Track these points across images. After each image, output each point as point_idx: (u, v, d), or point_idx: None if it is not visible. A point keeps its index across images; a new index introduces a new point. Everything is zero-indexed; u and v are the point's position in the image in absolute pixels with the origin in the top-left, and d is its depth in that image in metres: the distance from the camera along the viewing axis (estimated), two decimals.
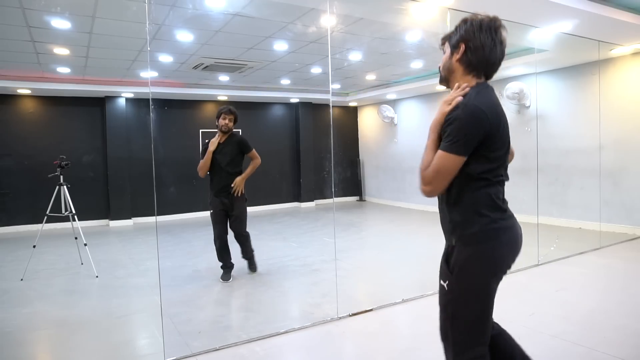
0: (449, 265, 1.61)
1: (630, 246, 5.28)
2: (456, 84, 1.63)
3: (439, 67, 1.71)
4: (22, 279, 4.47)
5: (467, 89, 1.58)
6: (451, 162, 1.48)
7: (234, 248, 4.31)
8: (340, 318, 3.24)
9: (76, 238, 4.92)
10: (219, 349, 2.79)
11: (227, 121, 4.15)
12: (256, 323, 3.19)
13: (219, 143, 4.16)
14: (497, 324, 1.81)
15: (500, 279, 1.61)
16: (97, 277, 4.51)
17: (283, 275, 4.41)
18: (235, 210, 4.18)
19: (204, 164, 4.13)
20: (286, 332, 3.03)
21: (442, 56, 1.72)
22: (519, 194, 7.10)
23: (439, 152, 1.50)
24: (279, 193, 9.98)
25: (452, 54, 1.65)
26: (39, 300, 3.88)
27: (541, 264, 4.54)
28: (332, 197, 10.40)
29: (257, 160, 4.33)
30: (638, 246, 5.28)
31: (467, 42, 1.60)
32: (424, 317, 3.21)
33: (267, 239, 6.22)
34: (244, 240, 4.29)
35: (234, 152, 4.19)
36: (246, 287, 4.07)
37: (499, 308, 3.43)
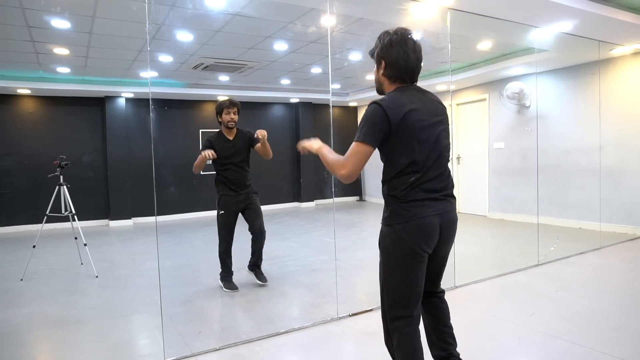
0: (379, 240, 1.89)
1: (631, 246, 5.28)
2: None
3: (374, 77, 1.97)
4: (22, 279, 4.47)
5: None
6: (361, 149, 1.73)
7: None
8: (340, 318, 3.24)
9: (76, 238, 4.92)
10: (219, 349, 2.79)
11: (232, 115, 3.91)
12: (256, 323, 3.19)
13: (229, 140, 3.94)
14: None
15: (417, 257, 1.80)
16: (97, 277, 4.51)
17: (283, 275, 4.41)
18: (252, 205, 3.98)
19: (199, 165, 3.82)
20: (286, 332, 3.03)
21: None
22: (519, 194, 7.12)
23: (353, 144, 1.75)
24: (279, 193, 9.98)
25: (377, 69, 1.90)
26: (38, 300, 3.88)
27: (541, 264, 4.54)
28: (332, 197, 10.40)
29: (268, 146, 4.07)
30: (638, 246, 5.28)
31: (384, 59, 1.84)
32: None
33: (267, 239, 6.18)
34: (262, 238, 4.03)
35: (245, 146, 3.99)
36: (246, 287, 4.07)
37: (499, 308, 3.44)
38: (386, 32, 1.85)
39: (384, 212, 1.86)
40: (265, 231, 4.08)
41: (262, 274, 4.12)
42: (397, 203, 1.78)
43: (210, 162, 3.99)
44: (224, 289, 3.95)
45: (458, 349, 2.11)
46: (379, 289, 1.93)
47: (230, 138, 3.99)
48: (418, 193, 1.76)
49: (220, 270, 4.04)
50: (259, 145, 3.99)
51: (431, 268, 1.91)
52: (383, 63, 1.83)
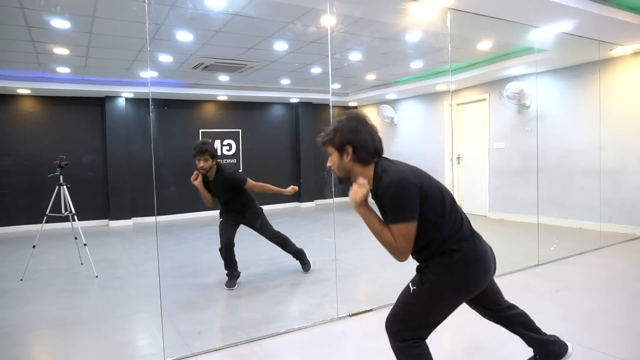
0: (422, 276, 1.82)
1: (631, 246, 5.28)
2: (359, 179, 1.82)
3: (330, 169, 1.89)
4: (21, 279, 4.47)
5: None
6: (410, 228, 1.69)
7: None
8: (340, 318, 3.24)
9: (76, 238, 4.92)
10: (219, 349, 2.79)
11: (202, 164, 3.87)
12: (256, 323, 3.19)
13: (209, 181, 4.02)
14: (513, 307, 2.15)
15: (466, 299, 1.87)
16: (97, 277, 4.51)
17: (283, 275, 4.41)
18: (254, 222, 4.18)
19: (204, 198, 4.02)
20: (286, 332, 3.03)
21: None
22: (519, 194, 7.12)
23: (397, 226, 1.69)
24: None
25: (341, 156, 1.82)
26: (38, 300, 3.88)
27: (541, 264, 4.54)
28: (332, 197, 10.39)
29: (258, 187, 4.16)
30: (638, 246, 5.28)
31: (352, 144, 1.78)
32: None
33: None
34: (280, 241, 4.29)
35: (230, 189, 4.05)
36: (246, 287, 4.07)
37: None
38: (345, 119, 1.84)
39: (436, 258, 1.83)
40: (278, 233, 4.33)
41: (305, 262, 4.45)
42: (455, 250, 1.80)
43: None
44: (225, 285, 4.08)
45: (458, 349, 2.12)
46: (389, 315, 1.88)
47: (211, 179, 4.03)
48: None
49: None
50: (248, 185, 4.11)
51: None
52: (350, 149, 1.79)
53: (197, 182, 3.93)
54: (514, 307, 2.13)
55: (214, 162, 3.95)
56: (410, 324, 1.80)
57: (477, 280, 1.81)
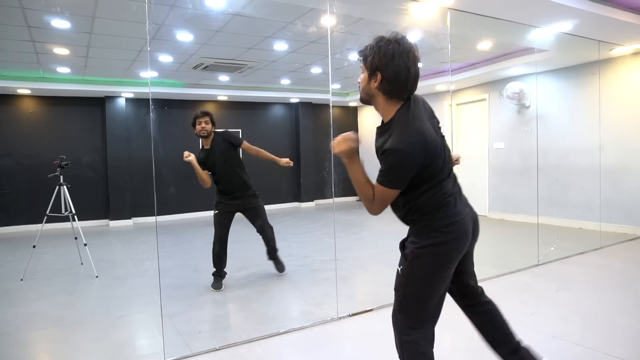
0: (404, 253, 1.77)
1: (631, 246, 5.28)
2: (351, 134, 1.74)
3: (359, 86, 1.76)
4: (21, 279, 4.47)
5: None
6: (391, 194, 1.65)
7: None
8: (340, 318, 3.24)
9: (76, 238, 4.92)
10: (219, 349, 2.79)
11: (202, 125, 3.85)
12: (256, 323, 3.19)
13: (205, 149, 3.95)
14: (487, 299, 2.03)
15: (451, 268, 1.75)
16: (97, 277, 4.51)
17: (283, 275, 4.41)
18: (251, 207, 4.07)
19: (200, 178, 3.87)
20: (286, 332, 3.02)
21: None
22: (519, 194, 7.12)
23: (379, 187, 1.64)
24: (279, 193, 9.98)
25: (369, 79, 1.68)
26: (38, 300, 3.88)
27: (541, 264, 4.54)
28: (332, 197, 10.40)
29: (254, 149, 4.06)
30: (638, 246, 5.28)
31: (382, 71, 1.62)
32: None
33: None
34: (270, 233, 4.16)
35: (227, 150, 3.94)
36: (246, 287, 4.07)
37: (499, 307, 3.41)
38: (387, 40, 1.62)
39: (417, 223, 1.77)
40: (270, 226, 4.19)
41: (279, 263, 4.32)
42: (437, 215, 1.73)
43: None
44: (211, 286, 4.00)
45: (459, 349, 2.11)
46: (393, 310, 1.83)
47: (207, 147, 3.98)
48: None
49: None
50: (244, 146, 4.03)
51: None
52: (379, 75, 1.62)
53: (191, 158, 3.73)
54: (488, 300, 2.03)
55: (213, 129, 3.94)
56: (408, 309, 1.74)
57: (456, 246, 1.71)
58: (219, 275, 4.07)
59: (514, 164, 7.20)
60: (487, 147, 7.64)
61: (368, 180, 1.71)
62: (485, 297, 2.03)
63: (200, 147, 4.07)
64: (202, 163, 3.91)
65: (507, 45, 5.89)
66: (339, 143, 1.70)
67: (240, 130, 9.37)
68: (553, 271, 4.32)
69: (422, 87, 8.21)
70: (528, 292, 3.72)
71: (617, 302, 3.44)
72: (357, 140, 1.72)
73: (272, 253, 4.29)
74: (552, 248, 5.05)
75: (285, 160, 4.14)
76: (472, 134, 7.98)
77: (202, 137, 3.94)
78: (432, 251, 1.69)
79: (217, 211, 4.02)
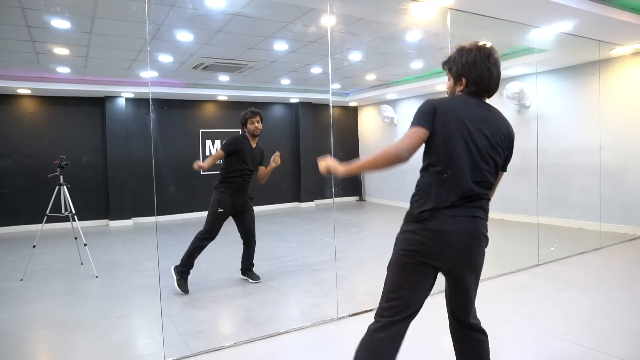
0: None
1: (631, 246, 5.28)
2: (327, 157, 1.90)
3: (447, 91, 1.92)
4: (21, 279, 4.47)
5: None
6: (415, 132, 1.71)
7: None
8: (340, 318, 3.24)
9: (76, 238, 4.92)
10: (219, 349, 2.79)
11: (256, 124, 4.01)
12: (256, 323, 3.19)
13: (252, 147, 4.05)
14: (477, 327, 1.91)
15: (419, 272, 1.72)
16: (97, 277, 4.51)
17: (283, 275, 4.41)
18: (249, 209, 4.12)
19: (210, 161, 3.85)
20: (286, 332, 3.03)
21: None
22: (519, 194, 7.11)
23: (408, 130, 1.74)
24: (279, 193, 9.98)
25: (455, 84, 1.85)
26: (38, 300, 3.88)
27: (541, 264, 4.54)
28: (332, 197, 10.39)
29: (265, 175, 4.21)
30: (638, 246, 5.28)
31: (466, 77, 1.79)
32: (425, 317, 3.20)
33: (267, 239, 6.22)
34: (253, 242, 4.19)
35: (259, 159, 4.15)
36: (246, 288, 4.07)
37: (499, 308, 3.43)
38: (469, 49, 1.80)
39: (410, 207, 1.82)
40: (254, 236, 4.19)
41: (254, 273, 4.24)
42: (425, 202, 1.77)
43: (221, 161, 4.01)
44: (176, 286, 3.87)
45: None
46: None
47: (254, 146, 4.09)
48: None
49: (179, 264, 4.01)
50: (263, 167, 4.16)
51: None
52: (464, 80, 1.80)
53: (201, 164, 3.77)
54: (482, 330, 1.92)
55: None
56: (383, 298, 1.77)
57: (432, 248, 1.68)
58: (187, 273, 3.96)
59: (514, 164, 7.13)
60: None
61: (369, 157, 1.73)
62: (481, 335, 1.92)
63: (242, 135, 4.06)
64: (239, 152, 3.93)
65: (507, 45, 5.89)
66: (323, 167, 1.87)
67: (240, 130, 9.36)
68: (553, 271, 4.32)
69: (422, 87, 8.24)
70: (528, 292, 3.72)
71: (617, 302, 3.44)
72: (325, 158, 1.88)
73: (249, 267, 4.21)
74: (552, 248, 5.05)
75: (276, 160, 4.07)
76: None
77: (255, 135, 4.05)
78: (404, 239, 1.74)
79: (221, 210, 3.95)
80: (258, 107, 4.22)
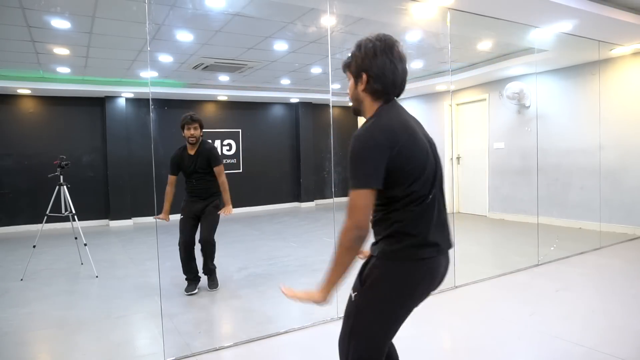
0: (362, 277, 1.55)
1: (631, 246, 5.28)
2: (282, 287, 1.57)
3: (349, 97, 1.61)
4: (21, 279, 4.47)
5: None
6: (363, 196, 1.38)
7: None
8: (340, 318, 3.23)
9: (76, 238, 4.92)
10: (219, 349, 2.79)
11: (192, 131, 3.88)
12: (256, 323, 3.19)
13: (189, 155, 3.99)
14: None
15: (410, 306, 1.53)
16: (97, 277, 4.51)
17: (283, 275, 4.41)
18: (206, 214, 4.00)
19: (169, 197, 4.11)
20: (286, 332, 3.03)
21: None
22: (519, 194, 7.12)
23: (350, 195, 1.39)
24: (279, 193, 9.98)
25: (356, 83, 1.55)
26: (38, 300, 3.88)
27: (541, 264, 4.54)
28: (332, 197, 10.39)
29: (223, 178, 4.00)
30: (638, 246, 5.28)
31: (367, 71, 1.50)
32: (424, 317, 3.21)
33: (267, 239, 6.21)
34: (210, 249, 3.96)
35: (204, 163, 3.95)
36: (246, 288, 4.07)
37: (499, 308, 3.42)
38: (367, 40, 1.51)
39: (385, 244, 1.53)
40: (213, 242, 4.00)
41: (214, 279, 4.07)
42: (410, 237, 1.48)
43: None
44: (184, 291, 3.92)
45: (458, 349, 2.08)
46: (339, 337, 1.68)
47: (192, 153, 4.00)
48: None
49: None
50: (218, 169, 4.01)
51: None
52: (365, 76, 1.50)
53: (163, 217, 4.08)
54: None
55: (201, 135, 3.98)
56: (357, 342, 1.57)
57: (419, 283, 1.50)
58: (192, 280, 3.98)
59: (514, 164, 7.20)
60: (487, 147, 7.64)
61: (331, 264, 1.48)
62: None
63: (182, 148, 4.07)
64: (177, 164, 4.02)
65: (507, 45, 5.89)
66: (290, 296, 1.56)
67: (240, 130, 9.38)
68: (553, 271, 4.32)
69: (423, 87, 8.25)
70: (528, 292, 3.72)
71: (617, 302, 3.44)
72: (290, 289, 1.57)
73: (205, 270, 4.06)
74: (552, 248, 5.05)
75: (227, 210, 4.01)
76: (472, 134, 7.98)
77: (191, 144, 3.96)
78: (392, 280, 1.48)
79: (182, 216, 4.05)
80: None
